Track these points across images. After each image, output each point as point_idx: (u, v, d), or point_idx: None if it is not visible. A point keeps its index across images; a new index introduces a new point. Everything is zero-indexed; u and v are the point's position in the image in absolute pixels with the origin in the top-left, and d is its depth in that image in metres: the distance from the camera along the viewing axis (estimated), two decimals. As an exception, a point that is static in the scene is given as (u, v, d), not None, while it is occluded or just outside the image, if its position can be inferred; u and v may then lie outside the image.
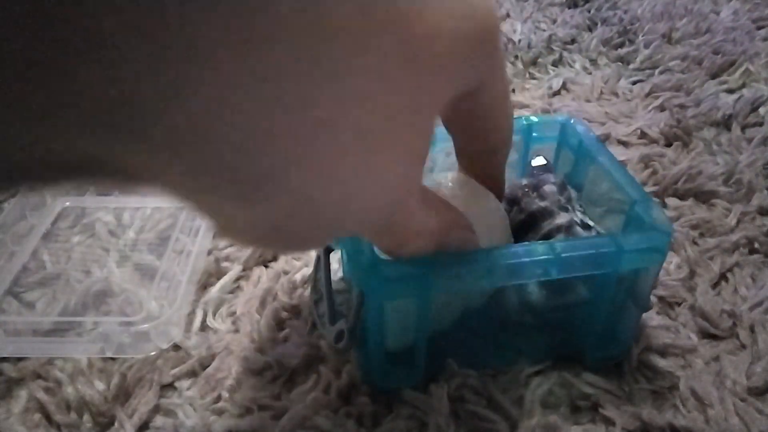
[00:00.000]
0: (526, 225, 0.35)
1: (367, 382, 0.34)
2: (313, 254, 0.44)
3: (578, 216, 0.35)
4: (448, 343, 0.34)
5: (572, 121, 0.40)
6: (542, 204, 0.35)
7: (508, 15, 0.90)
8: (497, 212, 0.33)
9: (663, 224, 0.31)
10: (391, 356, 0.33)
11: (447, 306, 0.33)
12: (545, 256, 0.30)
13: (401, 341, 0.32)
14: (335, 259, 0.40)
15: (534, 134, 0.41)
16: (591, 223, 0.36)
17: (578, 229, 0.34)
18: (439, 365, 0.34)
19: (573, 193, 0.37)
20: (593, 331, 0.34)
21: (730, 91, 0.68)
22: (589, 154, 0.38)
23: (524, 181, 0.37)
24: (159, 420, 0.33)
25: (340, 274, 0.41)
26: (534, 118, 0.42)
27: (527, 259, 0.30)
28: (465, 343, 0.35)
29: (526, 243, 0.33)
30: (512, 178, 0.40)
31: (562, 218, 0.34)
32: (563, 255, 0.30)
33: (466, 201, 0.31)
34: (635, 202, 0.33)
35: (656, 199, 0.50)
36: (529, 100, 0.67)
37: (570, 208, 0.36)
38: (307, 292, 0.41)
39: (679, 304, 0.40)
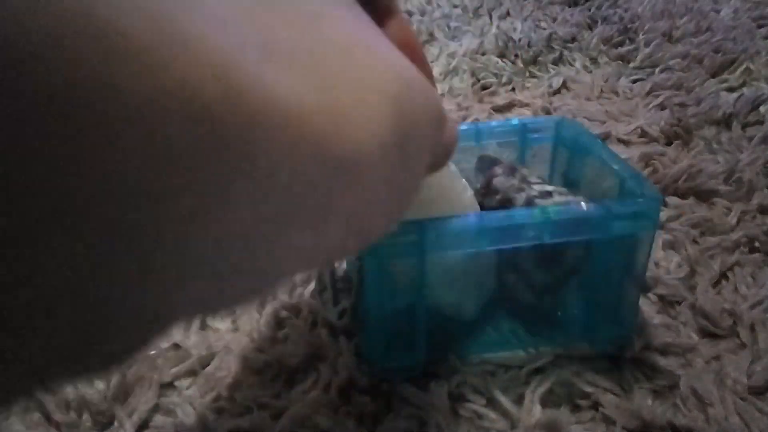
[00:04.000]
0: None
1: (369, 363, 0.35)
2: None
3: (534, 190, 0.36)
4: (451, 328, 0.35)
5: (566, 121, 0.41)
6: (498, 197, 0.35)
7: (508, 13, 0.90)
8: (466, 190, 0.34)
9: (652, 192, 0.32)
10: (391, 334, 0.33)
11: (463, 289, 0.34)
12: (538, 220, 0.30)
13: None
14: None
15: (530, 135, 0.41)
16: (550, 188, 0.36)
17: (539, 201, 0.35)
18: (441, 353, 0.35)
19: (524, 171, 0.38)
20: (596, 310, 0.35)
21: (731, 90, 0.68)
22: (583, 148, 0.38)
23: (478, 185, 0.38)
24: (158, 419, 0.33)
25: (342, 270, 0.41)
26: (529, 119, 0.43)
27: (521, 222, 0.31)
28: (467, 330, 0.35)
29: (519, 209, 0.34)
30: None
31: (520, 200, 0.35)
32: (555, 219, 0.30)
33: (437, 181, 0.32)
34: (626, 178, 0.34)
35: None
36: (529, 98, 0.67)
37: (525, 186, 0.36)
38: (307, 291, 0.41)
39: (679, 303, 0.40)
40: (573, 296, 0.36)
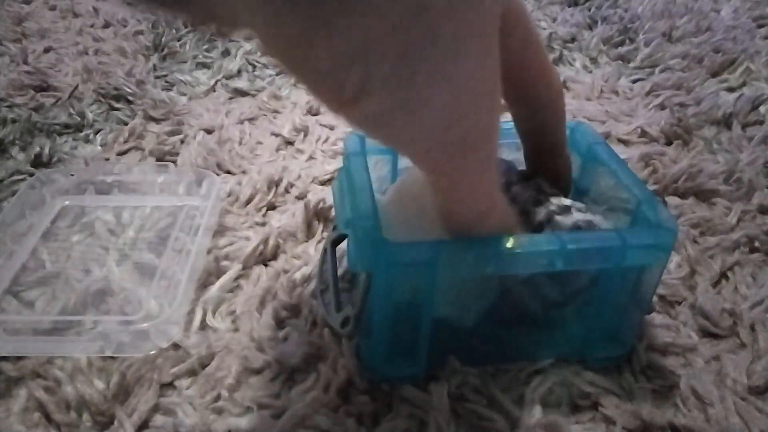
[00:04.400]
0: None
1: (370, 369, 0.34)
2: (313, 253, 0.44)
3: (553, 204, 0.35)
4: (452, 338, 0.34)
5: (582, 126, 0.40)
6: (516, 208, 0.34)
7: (508, 13, 0.90)
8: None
9: (669, 222, 0.32)
10: (394, 345, 0.33)
11: (466, 299, 0.33)
12: (551, 248, 0.30)
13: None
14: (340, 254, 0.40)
15: None
16: (567, 202, 0.35)
17: (559, 218, 0.33)
18: (442, 360, 0.35)
19: (539, 179, 0.36)
20: (596, 330, 0.34)
21: (731, 90, 0.68)
22: (597, 157, 0.38)
23: None
24: (158, 419, 0.33)
25: (345, 267, 0.41)
26: None
27: (533, 249, 0.30)
28: (468, 339, 0.35)
29: (531, 234, 0.33)
30: None
31: (540, 215, 0.34)
32: (569, 247, 0.30)
33: (412, 199, 0.32)
34: (642, 202, 0.33)
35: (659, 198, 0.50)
36: (529, 98, 0.67)
37: (543, 198, 0.35)
38: (308, 290, 0.41)
39: (679, 303, 0.40)
40: (575, 315, 0.36)
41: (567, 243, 0.30)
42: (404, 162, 0.41)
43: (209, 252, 0.44)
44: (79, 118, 0.62)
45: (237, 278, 0.42)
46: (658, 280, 0.33)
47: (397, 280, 0.30)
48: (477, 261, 0.30)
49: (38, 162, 0.56)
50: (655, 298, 0.40)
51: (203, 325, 0.39)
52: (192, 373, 0.36)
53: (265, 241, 0.44)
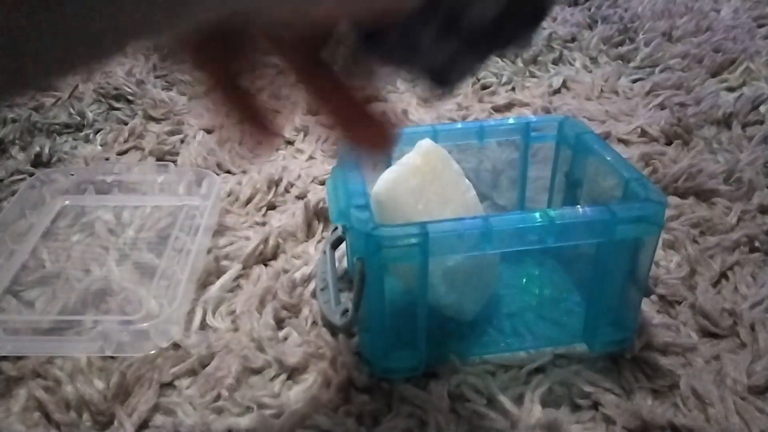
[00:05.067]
0: None
1: (370, 364, 0.35)
2: (313, 252, 0.44)
3: None
4: (451, 329, 0.34)
5: (570, 120, 0.41)
6: None
7: (508, 13, 0.90)
8: (469, 190, 0.34)
9: (657, 196, 0.32)
10: (393, 336, 0.33)
11: (463, 285, 0.34)
12: (541, 224, 0.30)
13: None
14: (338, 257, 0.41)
15: (533, 133, 0.41)
16: None
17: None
18: (442, 354, 0.35)
19: None
20: (597, 313, 0.35)
21: (731, 90, 0.68)
22: (585, 146, 0.38)
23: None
24: (158, 419, 0.33)
25: (344, 268, 0.41)
26: (533, 118, 0.42)
27: (523, 226, 0.30)
28: (467, 330, 0.35)
29: (523, 211, 0.33)
30: None
31: None
32: (559, 222, 0.30)
33: (428, 169, 0.32)
34: (630, 180, 0.33)
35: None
36: (529, 98, 0.67)
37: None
38: (308, 290, 0.41)
39: (679, 303, 0.40)
40: (575, 297, 0.36)
41: (556, 219, 0.30)
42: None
43: (209, 252, 0.44)
44: (79, 118, 0.62)
45: (237, 278, 0.42)
46: (652, 257, 0.34)
47: (388, 263, 0.30)
48: (467, 240, 0.30)
49: (38, 162, 0.56)
50: (654, 297, 0.40)
51: (203, 325, 0.39)
52: (192, 372, 0.36)
53: (265, 240, 0.44)
